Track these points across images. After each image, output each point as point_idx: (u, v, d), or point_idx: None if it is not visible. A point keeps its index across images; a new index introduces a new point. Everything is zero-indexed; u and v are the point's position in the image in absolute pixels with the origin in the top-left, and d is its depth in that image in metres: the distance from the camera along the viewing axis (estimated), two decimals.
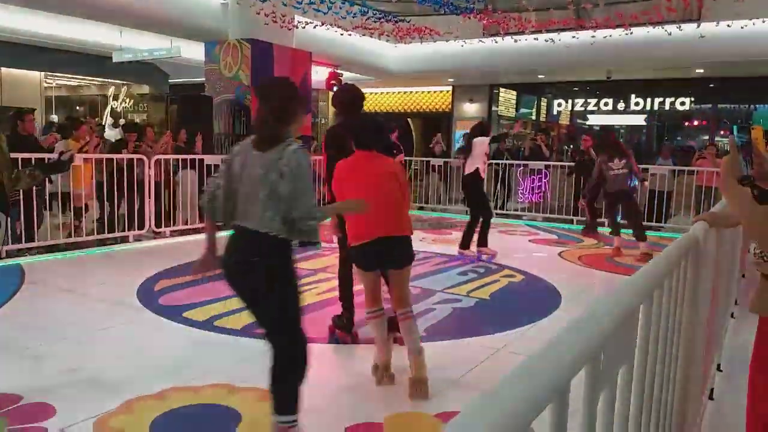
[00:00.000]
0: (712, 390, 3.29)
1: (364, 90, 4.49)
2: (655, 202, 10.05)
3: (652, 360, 1.61)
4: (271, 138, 2.60)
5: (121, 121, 16.76)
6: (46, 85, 17.05)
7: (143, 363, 3.80)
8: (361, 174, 3.42)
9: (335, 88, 10.19)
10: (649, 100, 16.71)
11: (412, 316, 3.53)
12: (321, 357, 4.09)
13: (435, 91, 19.27)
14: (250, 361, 3.86)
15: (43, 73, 16.35)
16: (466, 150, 7.56)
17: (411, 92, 19.77)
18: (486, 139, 7.48)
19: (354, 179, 3.43)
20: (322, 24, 12.13)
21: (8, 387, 3.29)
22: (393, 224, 3.40)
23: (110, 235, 7.74)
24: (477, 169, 7.28)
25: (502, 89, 18.14)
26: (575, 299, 5.57)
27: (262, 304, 2.72)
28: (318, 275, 6.24)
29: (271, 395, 2.71)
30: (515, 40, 13.41)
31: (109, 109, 18.81)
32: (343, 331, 4.29)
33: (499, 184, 11.72)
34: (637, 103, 16.92)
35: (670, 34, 11.94)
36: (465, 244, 7.47)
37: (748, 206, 1.82)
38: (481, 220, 7.40)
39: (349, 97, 4.24)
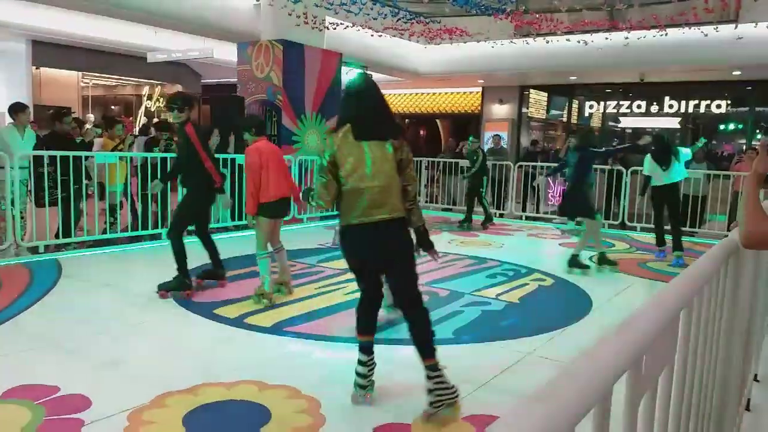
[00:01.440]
0: (749, 400, 3.21)
1: (393, 91, 4.65)
2: (689, 206, 9.86)
3: (691, 367, 1.58)
4: (390, 131, 3.09)
5: (154, 120, 17.04)
6: (83, 84, 17.45)
7: (175, 358, 3.87)
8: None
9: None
10: (683, 102, 16.38)
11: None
12: (349, 356, 4.11)
13: (464, 93, 19.18)
14: (279, 359, 3.90)
15: (80, 73, 16.73)
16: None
17: (440, 93, 19.72)
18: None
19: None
20: (353, 25, 12.18)
21: (46, 378, 3.37)
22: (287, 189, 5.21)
23: (144, 232, 7.88)
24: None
25: (532, 90, 17.97)
26: (606, 305, 5.50)
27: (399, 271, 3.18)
28: (346, 275, 6.26)
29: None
30: (547, 41, 13.28)
31: (143, 108, 19.17)
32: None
33: (529, 186, 11.63)
34: (671, 106, 16.59)
35: (706, 35, 11.70)
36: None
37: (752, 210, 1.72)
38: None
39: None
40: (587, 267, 6.86)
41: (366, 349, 3.29)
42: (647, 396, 1.14)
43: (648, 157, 7.73)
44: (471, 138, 10.61)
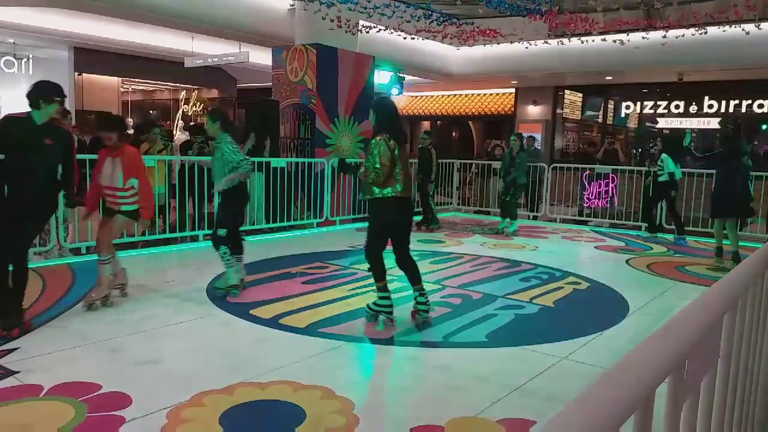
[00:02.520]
0: None
1: (425, 93, 4.95)
2: None
3: (734, 372, 1.54)
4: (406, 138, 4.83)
5: (191, 123, 17.36)
6: (122, 89, 17.89)
7: (212, 358, 3.93)
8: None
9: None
10: (723, 102, 15.97)
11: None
12: (382, 357, 4.13)
13: (498, 94, 19.06)
14: (313, 359, 3.93)
15: (120, 78, 17.15)
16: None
17: (473, 95, 19.63)
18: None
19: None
20: (386, 28, 12.22)
21: (88, 376, 3.47)
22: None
23: (180, 234, 8.04)
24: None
25: (567, 91, 17.76)
26: (643, 309, 5.39)
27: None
28: None
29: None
30: (582, 41, 13.10)
31: (180, 112, 19.56)
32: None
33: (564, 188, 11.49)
34: (710, 106, 16.21)
35: (748, 33, 11.39)
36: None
37: None
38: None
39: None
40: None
41: (385, 288, 4.68)
42: (689, 402, 1.12)
43: (669, 157, 8.80)
44: (423, 134, 10.47)
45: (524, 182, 9.99)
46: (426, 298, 4.72)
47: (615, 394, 0.75)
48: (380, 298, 4.66)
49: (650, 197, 9.83)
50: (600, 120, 18.69)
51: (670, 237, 9.62)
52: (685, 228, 9.43)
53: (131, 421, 2.96)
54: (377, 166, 4.44)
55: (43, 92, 4.28)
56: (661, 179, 9.26)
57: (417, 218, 9.34)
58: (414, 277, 4.70)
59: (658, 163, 9.37)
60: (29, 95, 4.29)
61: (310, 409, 3.15)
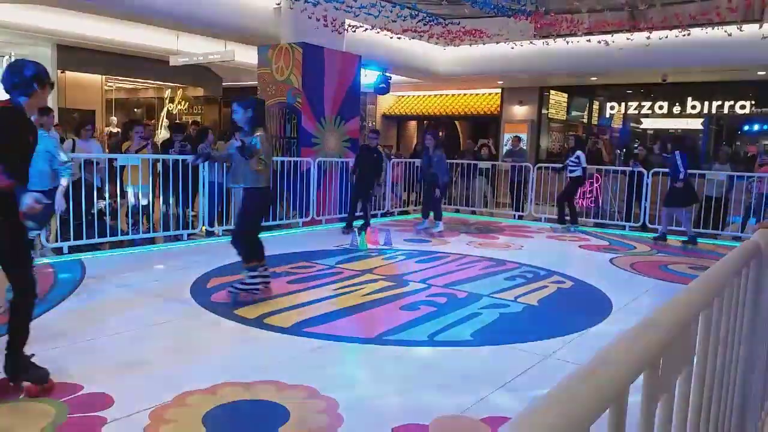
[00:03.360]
0: None
1: (412, 93, 4.81)
2: (712, 208, 9.73)
3: (711, 369, 1.56)
4: None
5: (166, 122, 17.27)
6: (106, 88, 17.71)
7: (195, 358, 3.91)
8: None
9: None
10: (706, 103, 16.14)
11: None
12: (366, 357, 4.13)
13: (484, 94, 19.12)
14: (298, 359, 3.92)
15: (103, 76, 16.98)
16: None
17: (459, 95, 19.68)
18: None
19: None
20: (372, 27, 12.22)
21: (69, 376, 3.44)
22: None
23: (165, 233, 7.98)
24: None
25: (552, 91, 17.85)
26: (627, 308, 5.44)
27: None
28: (365, 276, 6.29)
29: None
30: (567, 42, 13.18)
31: (165, 111, 19.41)
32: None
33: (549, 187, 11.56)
34: (693, 107, 16.36)
35: (730, 35, 11.51)
36: None
37: None
38: None
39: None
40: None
41: (257, 268, 5.17)
42: (665, 398, 1.14)
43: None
44: (370, 133, 10.12)
45: (447, 180, 10.19)
46: (252, 280, 5.12)
47: (588, 389, 0.75)
48: (251, 276, 5.12)
49: (564, 192, 10.42)
50: (585, 120, 18.82)
51: (666, 237, 9.71)
52: (668, 228, 9.51)
53: (113, 421, 2.94)
54: (262, 157, 4.91)
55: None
56: (573, 175, 10.08)
57: (358, 222, 9.13)
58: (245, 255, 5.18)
59: (572, 159, 10.00)
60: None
61: (294, 409, 3.15)
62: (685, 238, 9.18)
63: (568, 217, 10.26)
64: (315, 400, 3.28)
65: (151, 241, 7.90)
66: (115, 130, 15.10)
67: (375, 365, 4.02)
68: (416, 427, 3.01)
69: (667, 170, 9.34)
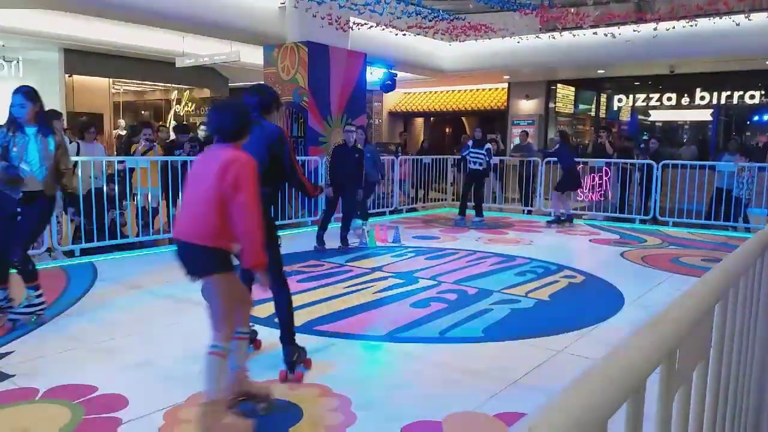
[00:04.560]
0: None
1: (418, 89, 4.57)
2: (723, 200, 9.65)
3: (727, 361, 1.55)
4: None
5: (173, 123, 17.29)
6: (113, 90, 17.80)
7: None
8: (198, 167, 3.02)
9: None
10: (715, 94, 16.02)
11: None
12: (378, 354, 4.13)
13: (490, 89, 19.06)
14: (310, 357, 3.92)
15: (110, 79, 17.06)
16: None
17: (466, 90, 19.63)
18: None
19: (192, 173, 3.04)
20: (377, 25, 12.20)
21: (85, 378, 3.46)
22: (188, 228, 2.94)
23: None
24: None
25: (559, 85, 17.76)
26: (638, 301, 5.41)
27: None
28: (374, 274, 6.29)
29: None
30: (573, 35, 13.12)
31: (172, 113, 19.48)
32: None
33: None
34: (702, 98, 16.24)
35: (738, 24, 11.42)
36: None
37: None
38: None
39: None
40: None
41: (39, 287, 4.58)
42: (682, 391, 1.13)
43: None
44: (348, 125, 8.15)
45: (376, 179, 9.30)
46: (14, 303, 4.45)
47: (604, 384, 0.75)
48: (36, 296, 4.47)
49: (464, 184, 10.39)
50: (593, 113, 18.72)
51: (668, 228, 9.66)
52: (679, 221, 9.46)
53: (128, 422, 2.96)
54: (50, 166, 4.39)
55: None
56: (477, 168, 10.01)
57: (335, 225, 8.02)
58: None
59: (483, 151, 9.96)
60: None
61: (308, 408, 3.15)
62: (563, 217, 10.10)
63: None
64: (328, 398, 3.28)
65: (162, 242, 7.92)
66: (123, 132, 15.17)
67: (387, 363, 4.02)
68: (429, 424, 3.01)
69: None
